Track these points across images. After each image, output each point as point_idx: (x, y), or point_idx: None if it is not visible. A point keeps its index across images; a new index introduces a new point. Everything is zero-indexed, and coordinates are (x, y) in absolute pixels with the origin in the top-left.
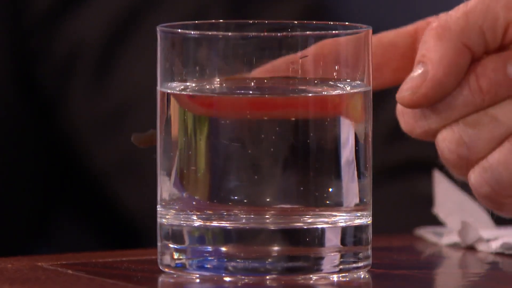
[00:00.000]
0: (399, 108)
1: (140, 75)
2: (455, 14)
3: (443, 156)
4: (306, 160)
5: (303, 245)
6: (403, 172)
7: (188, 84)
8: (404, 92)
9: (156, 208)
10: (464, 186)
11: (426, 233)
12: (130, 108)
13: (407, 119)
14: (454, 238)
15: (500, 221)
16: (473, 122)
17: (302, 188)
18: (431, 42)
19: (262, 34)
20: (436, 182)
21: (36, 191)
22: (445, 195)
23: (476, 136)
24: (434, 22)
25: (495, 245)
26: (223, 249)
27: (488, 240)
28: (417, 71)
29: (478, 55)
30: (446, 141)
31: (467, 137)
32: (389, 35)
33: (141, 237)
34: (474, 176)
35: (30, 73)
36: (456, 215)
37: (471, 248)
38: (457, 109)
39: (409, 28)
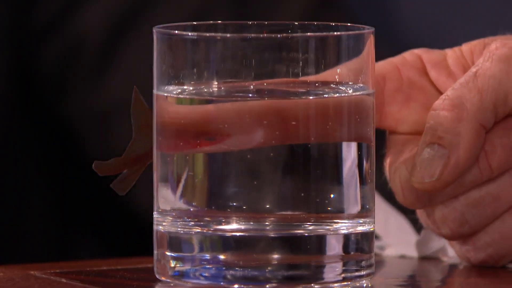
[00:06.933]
0: (397, 183)
1: (140, 73)
2: (468, 92)
3: (439, 233)
4: (307, 165)
5: (304, 253)
6: None
7: (185, 87)
8: (424, 177)
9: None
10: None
11: None
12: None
13: (407, 195)
14: (401, 250)
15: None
16: (476, 201)
17: (302, 194)
18: (449, 124)
19: (261, 35)
20: None
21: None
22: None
23: (479, 216)
24: (446, 100)
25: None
26: (222, 257)
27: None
28: (434, 154)
29: (488, 129)
30: (448, 221)
31: (470, 217)
32: (377, 67)
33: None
34: (475, 252)
35: (30, 68)
36: (388, 227)
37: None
38: (464, 186)
39: (396, 60)
